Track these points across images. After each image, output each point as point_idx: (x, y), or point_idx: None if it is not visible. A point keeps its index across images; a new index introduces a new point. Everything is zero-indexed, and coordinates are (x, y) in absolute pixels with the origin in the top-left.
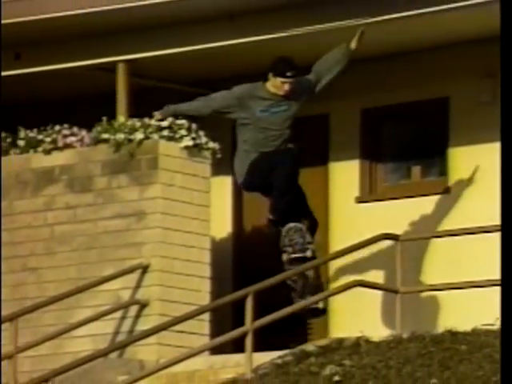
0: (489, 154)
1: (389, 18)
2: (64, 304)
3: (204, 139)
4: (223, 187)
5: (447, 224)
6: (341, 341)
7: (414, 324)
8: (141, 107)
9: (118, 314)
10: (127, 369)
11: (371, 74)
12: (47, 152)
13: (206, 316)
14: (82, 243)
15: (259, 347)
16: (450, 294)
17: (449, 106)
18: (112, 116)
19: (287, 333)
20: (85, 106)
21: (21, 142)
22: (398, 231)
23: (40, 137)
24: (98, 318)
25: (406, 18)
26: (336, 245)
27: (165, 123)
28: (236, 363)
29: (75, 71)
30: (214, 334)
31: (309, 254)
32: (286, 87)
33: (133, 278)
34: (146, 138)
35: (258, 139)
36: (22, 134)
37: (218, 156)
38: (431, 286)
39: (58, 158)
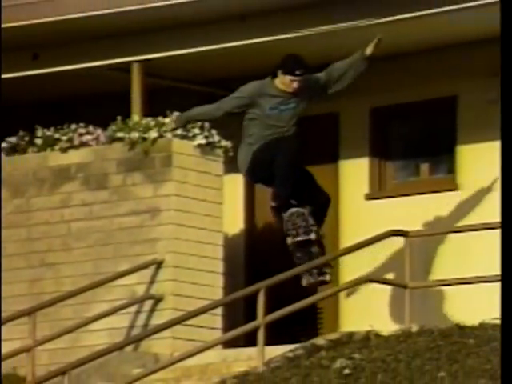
0: (496, 152)
1: (398, 18)
2: (81, 299)
3: (217, 137)
4: (235, 184)
5: (455, 220)
6: (351, 335)
7: (422, 318)
8: (155, 106)
9: (133, 309)
10: (142, 362)
11: (380, 74)
12: (64, 150)
13: (219, 310)
14: (97, 239)
15: (271, 341)
16: (457, 289)
17: (457, 105)
18: (127, 115)
19: (298, 327)
20: (100, 105)
21: (38, 141)
22: (407, 227)
23: (57, 135)
24: (113, 313)
25: (415, 18)
26: (346, 241)
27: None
28: (248, 357)
29: (91, 71)
30: (227, 328)
31: (313, 236)
32: (295, 85)
33: (147, 273)
34: (160, 136)
35: (264, 135)
36: (39, 132)
37: (231, 154)
38: (439, 281)
39: (74, 156)
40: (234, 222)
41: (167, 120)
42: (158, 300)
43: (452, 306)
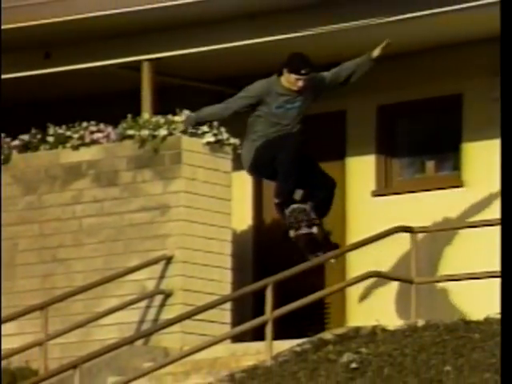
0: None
1: (405, 17)
2: (92, 294)
3: (225, 135)
4: (244, 181)
5: (460, 216)
6: (358, 329)
7: (428, 313)
8: (165, 104)
9: (143, 304)
10: (152, 356)
11: (387, 73)
12: (75, 148)
13: (228, 305)
14: (108, 235)
15: (279, 335)
16: (463, 284)
17: (462, 103)
18: (137, 113)
19: (306, 322)
20: (111, 103)
21: (50, 138)
22: (413, 224)
23: (68, 133)
24: (124, 307)
25: (420, 17)
26: (353, 237)
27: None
28: (256, 351)
29: (102, 70)
30: (235, 322)
31: (315, 230)
32: (300, 83)
33: (157, 268)
34: (170, 134)
35: (268, 133)
36: (51, 130)
37: (239, 151)
38: (445, 276)
39: (86, 154)
40: (243, 218)
41: (177, 118)
42: (167, 295)
43: (457, 301)
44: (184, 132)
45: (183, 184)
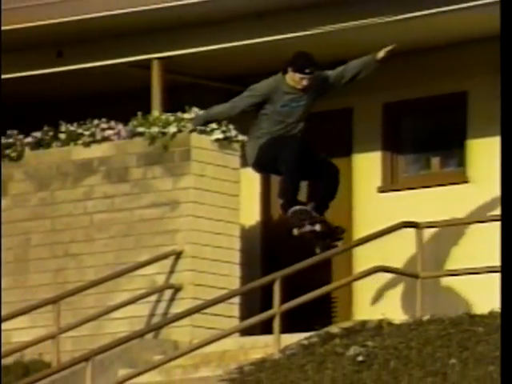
0: None
1: (411, 16)
2: (103, 288)
3: (234, 132)
4: (252, 177)
5: (465, 212)
6: (364, 323)
7: (433, 307)
8: (174, 102)
9: (153, 298)
10: (162, 349)
11: (393, 71)
12: (86, 145)
13: (236, 299)
14: (119, 231)
15: (286, 329)
16: (467, 279)
17: (467, 100)
18: (147, 111)
19: (313, 315)
20: (121, 101)
21: (62, 136)
22: (418, 219)
23: (80, 130)
24: (134, 301)
25: (426, 16)
26: (359, 232)
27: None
28: (264, 344)
29: (113, 68)
30: (244, 316)
31: (317, 228)
32: (304, 82)
33: (167, 263)
34: (179, 131)
35: (273, 130)
36: (63, 127)
37: None
38: (450, 271)
39: (97, 151)
40: (251, 213)
41: (186, 115)
42: (177, 289)
43: (462, 296)
44: (193, 131)
45: (192, 180)
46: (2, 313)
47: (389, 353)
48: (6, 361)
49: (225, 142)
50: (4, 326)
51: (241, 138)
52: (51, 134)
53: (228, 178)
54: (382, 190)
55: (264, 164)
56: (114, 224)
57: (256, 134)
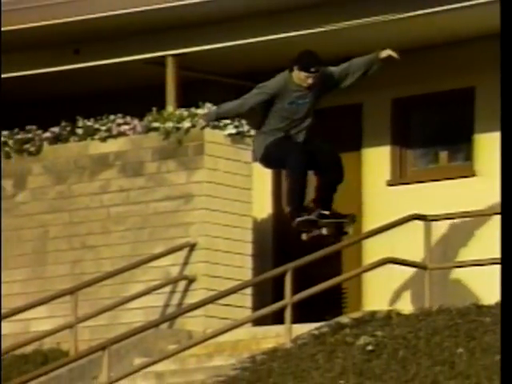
0: None
1: (418, 13)
2: (119, 279)
3: (246, 127)
4: (264, 171)
5: (472, 205)
6: (373, 313)
7: (441, 298)
8: (188, 98)
9: (168, 289)
10: (177, 338)
11: (402, 67)
12: (103, 139)
13: (249, 290)
14: (134, 223)
15: (298, 319)
16: (475, 270)
17: (474, 96)
18: (162, 106)
19: (324, 306)
20: (137, 97)
21: (79, 131)
22: (426, 212)
23: (96, 126)
24: (149, 292)
25: (434, 13)
26: (368, 225)
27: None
28: (276, 334)
29: (128, 65)
30: (256, 307)
31: (324, 231)
32: (310, 81)
33: (181, 255)
34: (193, 126)
35: (279, 127)
36: (80, 123)
37: None
38: (457, 262)
39: (113, 145)
40: (263, 206)
41: (200, 111)
42: (191, 280)
43: (470, 287)
44: (204, 128)
45: (206, 174)
46: (21, 303)
47: (398, 342)
48: (26, 349)
49: (237, 137)
50: (23, 315)
51: (253, 132)
52: (69, 129)
53: (240, 172)
54: (390, 184)
55: (270, 162)
56: (129, 217)
57: (263, 129)
